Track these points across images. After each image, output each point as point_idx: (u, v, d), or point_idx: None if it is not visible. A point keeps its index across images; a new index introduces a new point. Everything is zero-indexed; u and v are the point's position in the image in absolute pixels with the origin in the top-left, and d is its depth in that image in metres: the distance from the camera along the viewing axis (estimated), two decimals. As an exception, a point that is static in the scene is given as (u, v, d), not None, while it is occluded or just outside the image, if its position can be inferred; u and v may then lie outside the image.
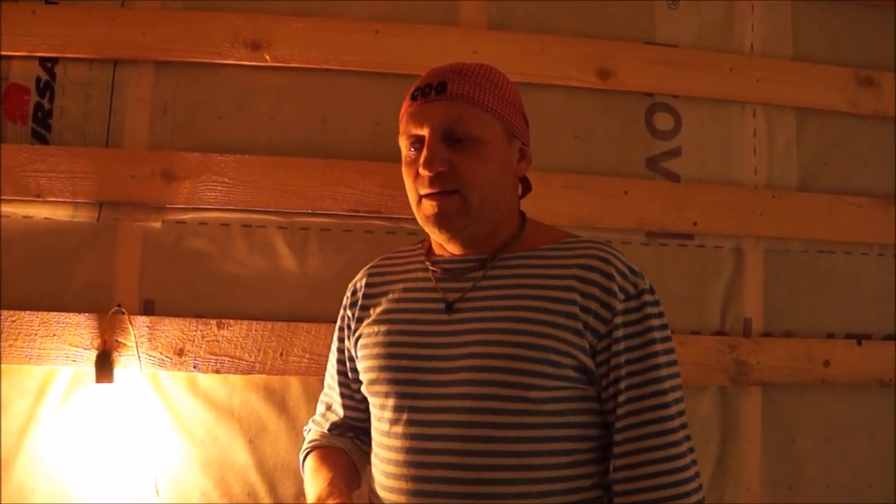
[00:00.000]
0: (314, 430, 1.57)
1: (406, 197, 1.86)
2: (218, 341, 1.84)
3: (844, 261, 2.11)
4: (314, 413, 1.60)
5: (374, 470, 1.39)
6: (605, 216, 1.97)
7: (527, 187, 1.51)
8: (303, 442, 1.54)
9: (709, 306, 2.04)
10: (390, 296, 1.45)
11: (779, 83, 2.07)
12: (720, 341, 1.99)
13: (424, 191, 1.35)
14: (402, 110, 1.41)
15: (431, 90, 1.36)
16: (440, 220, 1.35)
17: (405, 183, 1.41)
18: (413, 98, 1.39)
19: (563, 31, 2.01)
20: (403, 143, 1.40)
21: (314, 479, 1.41)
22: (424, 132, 1.35)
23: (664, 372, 1.28)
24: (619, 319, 1.28)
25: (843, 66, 2.11)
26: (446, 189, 1.33)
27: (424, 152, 1.33)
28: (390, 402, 1.35)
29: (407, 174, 1.39)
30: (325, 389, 1.60)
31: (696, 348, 1.96)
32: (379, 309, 1.45)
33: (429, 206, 1.35)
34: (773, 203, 2.05)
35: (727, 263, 2.05)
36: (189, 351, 1.83)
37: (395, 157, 1.87)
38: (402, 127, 1.40)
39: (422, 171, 1.33)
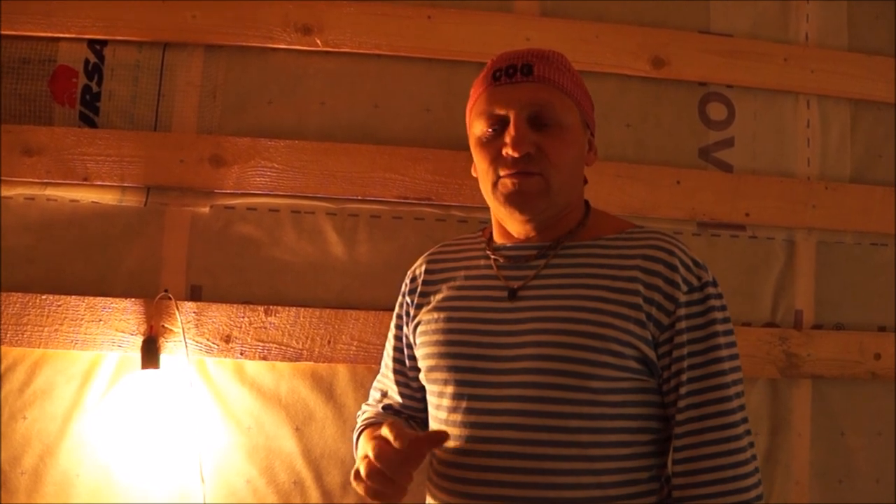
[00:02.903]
0: (368, 410, 1.48)
1: (456, 184, 1.77)
2: (265, 328, 1.72)
3: (897, 254, 1.99)
4: (362, 400, 1.53)
5: (431, 457, 1.30)
6: (657, 206, 1.84)
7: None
8: (351, 429, 1.48)
9: (760, 298, 1.91)
10: (451, 283, 1.36)
11: (833, 74, 1.94)
12: (771, 333, 1.86)
13: (506, 171, 1.24)
14: (479, 91, 1.30)
15: (517, 71, 1.26)
16: (521, 199, 1.25)
17: (478, 164, 1.30)
18: (495, 78, 1.27)
19: (617, 20, 1.88)
20: (480, 122, 1.28)
21: (366, 441, 1.29)
22: (510, 113, 1.24)
23: (726, 365, 1.20)
24: (682, 311, 1.20)
25: (899, 58, 1.99)
26: (530, 170, 1.23)
27: (512, 132, 1.23)
28: (449, 389, 1.27)
29: (483, 155, 1.28)
30: (380, 376, 1.50)
31: (747, 340, 1.81)
32: (439, 296, 1.35)
33: (510, 184, 1.25)
34: (827, 195, 1.92)
35: (779, 255, 1.92)
36: (236, 337, 1.71)
37: (446, 144, 1.77)
38: (480, 107, 1.29)
39: (509, 151, 1.23)
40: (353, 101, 1.82)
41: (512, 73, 1.26)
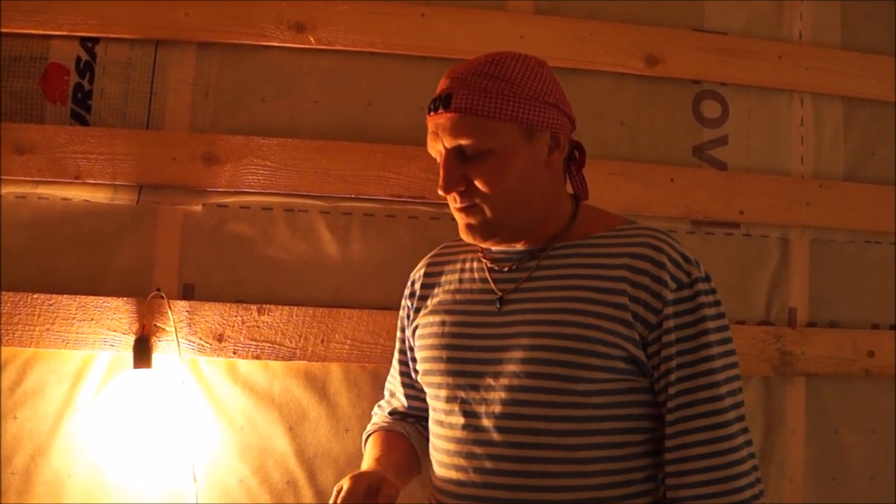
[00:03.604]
0: (378, 413, 1.49)
1: (451, 183, 1.76)
2: (258, 327, 1.69)
3: (890, 252, 1.96)
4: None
5: (432, 458, 1.30)
6: (651, 204, 1.82)
7: (583, 158, 1.34)
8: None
9: (754, 296, 1.89)
10: (445, 286, 1.36)
11: (827, 72, 1.92)
12: (765, 331, 1.84)
13: (451, 205, 1.28)
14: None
15: (440, 103, 1.23)
16: (470, 232, 1.27)
17: None
18: (428, 111, 1.26)
19: (612, 18, 1.86)
20: (432, 153, 1.30)
21: (365, 460, 1.35)
22: (440, 149, 1.24)
23: (717, 363, 1.17)
24: (670, 310, 1.17)
25: (892, 56, 1.96)
26: (468, 204, 1.25)
27: (441, 173, 1.23)
28: (443, 393, 1.28)
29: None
30: (389, 377, 1.51)
31: (741, 338, 1.77)
32: (435, 300, 1.36)
33: (458, 218, 1.28)
34: (820, 193, 1.90)
35: (773, 253, 1.90)
36: (229, 336, 1.68)
37: (441, 142, 1.77)
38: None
39: (440, 192, 1.23)
40: (346, 99, 1.79)
41: (437, 105, 1.24)
